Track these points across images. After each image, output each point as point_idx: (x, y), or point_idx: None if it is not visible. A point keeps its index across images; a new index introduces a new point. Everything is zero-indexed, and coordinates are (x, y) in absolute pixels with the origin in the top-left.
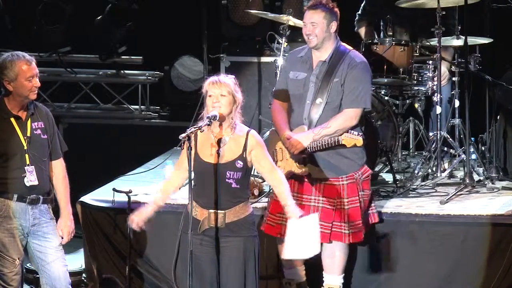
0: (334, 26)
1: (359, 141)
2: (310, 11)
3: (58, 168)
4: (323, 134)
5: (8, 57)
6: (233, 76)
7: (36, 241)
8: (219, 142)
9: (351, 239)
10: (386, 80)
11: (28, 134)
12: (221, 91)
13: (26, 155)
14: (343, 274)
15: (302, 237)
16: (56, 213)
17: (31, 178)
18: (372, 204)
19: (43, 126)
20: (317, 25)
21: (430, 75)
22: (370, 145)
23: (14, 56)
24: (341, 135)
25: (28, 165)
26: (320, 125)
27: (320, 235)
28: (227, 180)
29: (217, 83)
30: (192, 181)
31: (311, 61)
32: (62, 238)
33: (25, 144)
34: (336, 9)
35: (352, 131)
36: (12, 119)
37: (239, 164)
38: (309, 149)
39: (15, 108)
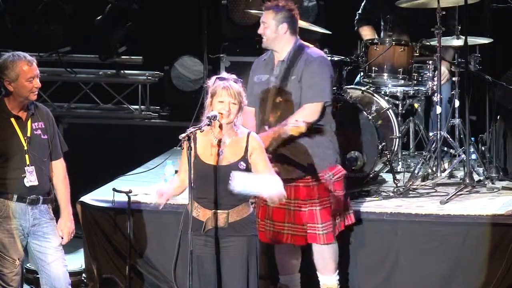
0: (284, 28)
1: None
2: (264, 11)
3: (59, 168)
4: (282, 132)
5: (9, 57)
6: (241, 80)
7: (36, 241)
8: (219, 142)
9: (325, 239)
10: (386, 80)
11: (28, 134)
12: (232, 99)
13: (26, 156)
14: (337, 271)
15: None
16: (56, 213)
17: (31, 179)
18: (350, 206)
19: (43, 126)
20: (267, 26)
21: (430, 75)
22: (370, 145)
23: (15, 56)
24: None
25: (28, 165)
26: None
27: (295, 238)
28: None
29: (229, 90)
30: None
31: (273, 62)
32: (62, 238)
33: (25, 145)
34: (293, 12)
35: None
36: (12, 119)
37: (242, 165)
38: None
39: (16, 108)
